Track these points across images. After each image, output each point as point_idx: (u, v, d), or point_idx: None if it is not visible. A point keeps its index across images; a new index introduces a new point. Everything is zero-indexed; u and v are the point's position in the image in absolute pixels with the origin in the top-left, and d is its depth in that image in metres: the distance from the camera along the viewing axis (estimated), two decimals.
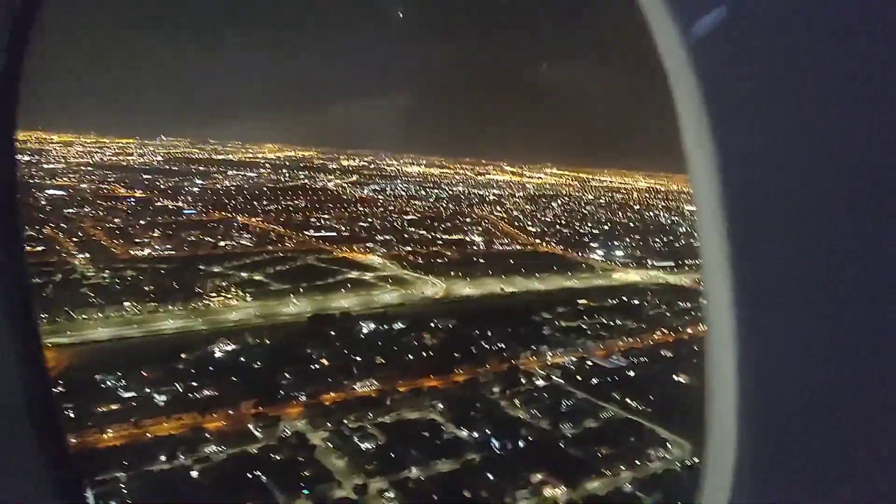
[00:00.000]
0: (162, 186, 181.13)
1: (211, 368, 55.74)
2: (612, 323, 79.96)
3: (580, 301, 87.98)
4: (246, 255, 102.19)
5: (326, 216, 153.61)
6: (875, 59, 2.64)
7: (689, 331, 79.31)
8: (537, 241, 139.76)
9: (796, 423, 2.91)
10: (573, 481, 42.12)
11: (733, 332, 2.87)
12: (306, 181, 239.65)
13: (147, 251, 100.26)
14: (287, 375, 55.06)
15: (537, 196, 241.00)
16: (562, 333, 74.12)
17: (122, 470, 38.78)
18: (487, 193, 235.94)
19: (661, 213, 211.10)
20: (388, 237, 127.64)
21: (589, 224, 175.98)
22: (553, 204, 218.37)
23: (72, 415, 42.59)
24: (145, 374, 52.82)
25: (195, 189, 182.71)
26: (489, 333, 71.33)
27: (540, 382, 59.51)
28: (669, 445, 48.66)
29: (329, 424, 47.37)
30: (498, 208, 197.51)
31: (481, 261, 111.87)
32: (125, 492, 37.14)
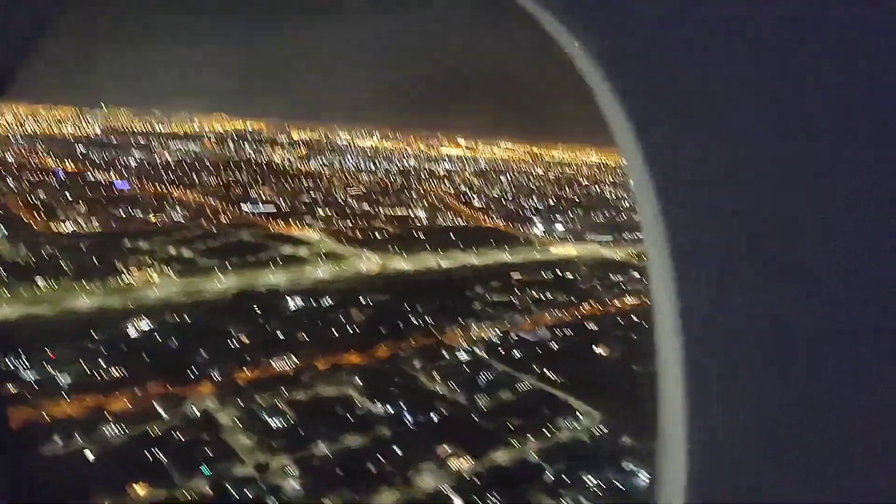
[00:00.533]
0: (96, 159, 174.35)
1: (123, 348, 54.19)
2: (542, 297, 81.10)
3: (514, 275, 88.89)
4: (177, 231, 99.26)
5: (268, 190, 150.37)
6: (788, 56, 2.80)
7: (616, 303, 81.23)
8: (481, 215, 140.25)
9: (745, 429, 2.97)
10: (480, 453, 42.81)
11: (681, 340, 2.95)
12: (252, 154, 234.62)
13: (71, 227, 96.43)
14: (203, 354, 54.02)
15: (487, 171, 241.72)
16: (491, 308, 74.80)
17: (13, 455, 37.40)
18: (438, 168, 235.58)
19: (607, 188, 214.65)
20: (328, 212, 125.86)
21: (534, 198, 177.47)
22: (502, 178, 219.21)
23: None
24: (52, 355, 51.03)
25: (132, 162, 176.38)
26: (419, 309, 71.46)
27: (463, 356, 59.98)
28: (580, 416, 49.82)
29: (240, 403, 46.80)
30: (446, 183, 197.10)
31: (422, 236, 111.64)
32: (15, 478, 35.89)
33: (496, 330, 67.41)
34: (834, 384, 2.90)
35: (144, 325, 59.34)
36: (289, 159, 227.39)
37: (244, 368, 52.55)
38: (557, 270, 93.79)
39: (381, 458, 41.07)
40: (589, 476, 40.83)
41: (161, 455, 38.96)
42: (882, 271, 2.85)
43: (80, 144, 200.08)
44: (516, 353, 61.37)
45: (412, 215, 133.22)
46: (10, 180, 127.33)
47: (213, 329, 59.95)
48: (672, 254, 2.95)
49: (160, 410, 44.47)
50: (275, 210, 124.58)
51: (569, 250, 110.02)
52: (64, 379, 47.54)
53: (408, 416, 47.41)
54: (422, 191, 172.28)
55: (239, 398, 47.30)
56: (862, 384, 2.89)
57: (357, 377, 52.59)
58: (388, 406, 48.64)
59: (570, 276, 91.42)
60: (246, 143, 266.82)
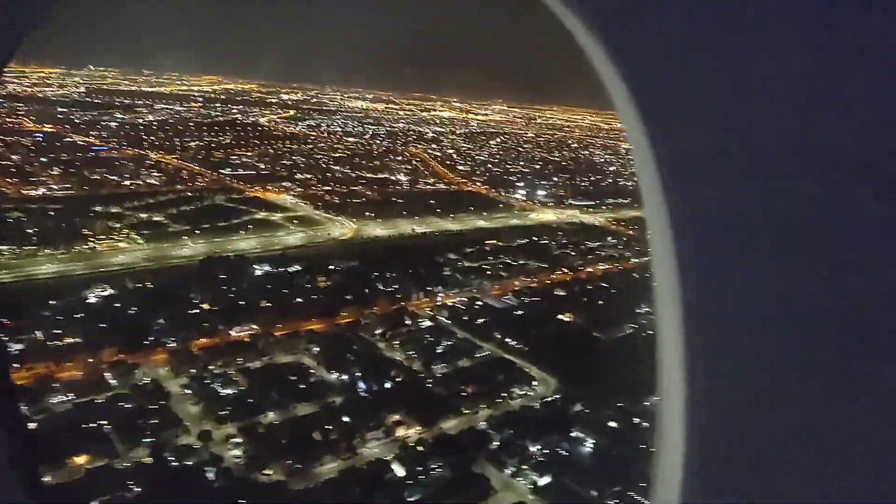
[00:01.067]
0: (76, 121, 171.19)
1: (80, 315, 53.84)
2: (514, 263, 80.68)
3: (488, 241, 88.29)
4: (150, 195, 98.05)
5: (249, 153, 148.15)
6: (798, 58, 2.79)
7: (588, 270, 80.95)
8: (464, 180, 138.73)
9: (742, 426, 2.98)
10: (429, 421, 42.91)
11: (682, 336, 2.95)
12: (238, 116, 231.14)
13: (41, 190, 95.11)
14: (161, 321, 53.74)
15: (478, 134, 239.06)
16: (461, 274, 74.39)
17: None
18: (427, 131, 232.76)
19: (597, 152, 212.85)
20: (308, 176, 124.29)
21: (521, 163, 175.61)
22: (491, 142, 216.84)
23: None
24: (6, 322, 50.70)
25: (113, 124, 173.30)
26: (388, 275, 71.07)
27: (426, 323, 59.85)
28: (535, 383, 49.93)
29: (192, 371, 46.69)
30: (434, 146, 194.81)
31: (400, 201, 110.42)
32: None
33: (462, 297, 67.20)
34: (835, 383, 2.88)
35: (104, 291, 58.93)
36: (275, 121, 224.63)
37: (201, 336, 52.34)
38: (533, 236, 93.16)
39: (329, 427, 41.14)
40: (535, 444, 41.05)
41: (105, 424, 38.94)
42: (889, 269, 2.82)
43: (61, 106, 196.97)
44: (480, 320, 61.24)
45: (393, 179, 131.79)
46: None
47: (175, 296, 59.56)
48: (675, 242, 2.93)
49: (110, 379, 44.34)
50: (254, 174, 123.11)
51: (548, 216, 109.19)
52: (16, 347, 47.23)
53: (361, 384, 47.42)
54: (407, 154, 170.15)
55: (192, 366, 47.17)
56: (863, 384, 2.87)
57: (314, 345, 52.45)
58: (342, 374, 48.60)
59: (545, 242, 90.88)
60: (234, 105, 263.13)
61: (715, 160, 2.89)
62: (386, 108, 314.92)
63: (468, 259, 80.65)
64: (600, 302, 68.61)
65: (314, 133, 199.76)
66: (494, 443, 41.25)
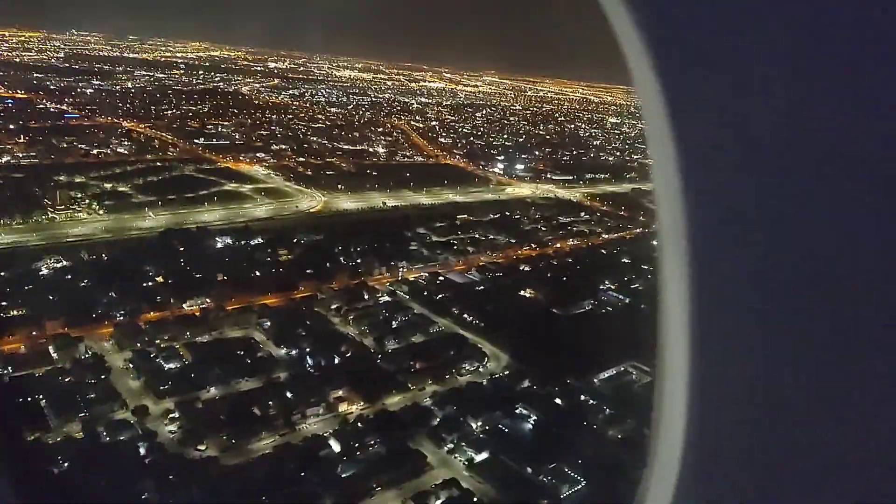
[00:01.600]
0: (52, 87, 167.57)
1: (29, 287, 53.03)
2: (484, 238, 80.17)
3: (460, 216, 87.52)
4: (118, 165, 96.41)
5: (226, 123, 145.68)
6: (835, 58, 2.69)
7: (556, 245, 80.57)
8: (444, 153, 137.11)
9: (740, 429, 2.97)
10: (373, 397, 42.71)
11: (687, 337, 2.93)
12: (220, 84, 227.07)
13: (5, 158, 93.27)
14: (112, 294, 53.05)
15: (465, 105, 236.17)
16: (428, 249, 73.78)
17: None
18: (413, 102, 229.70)
19: (583, 126, 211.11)
20: (284, 147, 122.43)
21: (505, 136, 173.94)
22: (477, 115, 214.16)
23: None
24: None
25: (89, 91, 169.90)
26: (352, 249, 70.42)
27: (384, 298, 59.44)
28: (487, 359, 49.78)
29: (138, 345, 46.16)
30: (418, 118, 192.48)
31: (374, 173, 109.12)
32: None
33: (425, 272, 66.73)
34: (838, 385, 2.86)
35: (58, 263, 58.04)
36: (258, 90, 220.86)
37: (152, 309, 51.73)
38: (506, 211, 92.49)
39: (270, 403, 40.89)
40: (477, 420, 40.98)
41: (41, 398, 38.50)
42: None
43: (38, 72, 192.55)
44: (440, 296, 60.90)
45: (371, 151, 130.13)
46: None
47: (130, 268, 58.81)
48: (688, 235, 2.86)
49: (52, 352, 43.75)
50: (228, 144, 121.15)
51: (523, 190, 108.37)
52: None
53: (309, 360, 47.11)
54: (389, 126, 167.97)
55: (137, 340, 46.62)
56: (865, 387, 2.84)
57: (267, 319, 51.98)
58: (291, 349, 48.25)
59: (517, 218, 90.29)
60: (217, 72, 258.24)
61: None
62: (374, 77, 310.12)
63: (437, 234, 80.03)
64: (564, 278, 68.37)
65: (297, 103, 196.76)
66: (436, 419, 41.15)
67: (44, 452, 34.29)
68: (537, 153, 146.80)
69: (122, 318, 49.73)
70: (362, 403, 42.42)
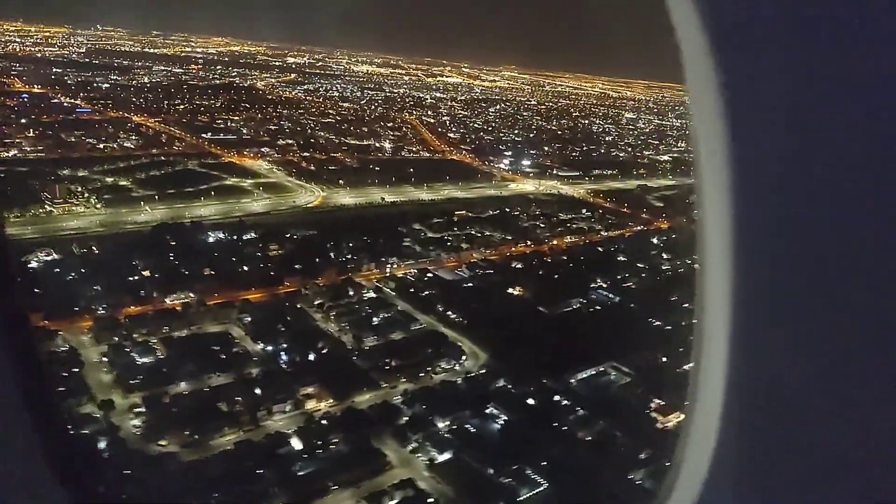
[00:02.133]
0: (69, 82, 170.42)
1: (16, 280, 53.67)
2: (479, 234, 79.38)
3: (459, 212, 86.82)
4: (123, 159, 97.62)
5: (236, 117, 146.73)
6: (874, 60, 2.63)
7: (553, 243, 79.48)
8: (450, 148, 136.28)
9: (777, 428, 2.94)
10: (343, 394, 42.42)
11: (727, 334, 2.87)
12: (236, 79, 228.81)
13: (13, 152, 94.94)
14: (96, 287, 53.53)
15: (479, 100, 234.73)
16: (421, 245, 73.27)
17: None
18: (427, 97, 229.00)
19: (597, 121, 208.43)
20: (290, 141, 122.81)
21: (516, 131, 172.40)
22: (490, 110, 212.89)
23: None
24: None
25: (105, 85, 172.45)
26: (343, 245, 70.19)
27: (369, 295, 59.11)
28: (465, 358, 49.18)
29: (114, 339, 46.48)
30: (429, 113, 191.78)
31: (377, 169, 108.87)
32: None
33: (414, 269, 66.26)
34: (889, 390, 2.79)
35: (48, 256, 58.76)
36: (273, 85, 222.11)
37: (134, 303, 52.08)
38: (506, 207, 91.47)
39: (237, 399, 40.82)
40: (444, 420, 40.47)
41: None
42: None
43: (57, 67, 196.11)
44: (426, 293, 60.42)
45: (377, 146, 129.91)
46: None
47: (118, 262, 59.24)
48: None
49: None
50: (235, 138, 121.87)
51: (527, 187, 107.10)
52: None
53: (283, 356, 46.99)
54: (399, 121, 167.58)
55: (114, 334, 46.96)
56: None
57: (247, 314, 52.01)
58: (267, 345, 48.19)
59: (517, 214, 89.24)
60: (235, 67, 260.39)
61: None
62: (391, 72, 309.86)
63: (433, 230, 79.47)
64: (556, 276, 67.35)
65: (310, 98, 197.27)
66: (403, 418, 40.73)
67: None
68: (546, 149, 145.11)
69: (102, 311, 50.11)
70: (331, 401, 42.16)
